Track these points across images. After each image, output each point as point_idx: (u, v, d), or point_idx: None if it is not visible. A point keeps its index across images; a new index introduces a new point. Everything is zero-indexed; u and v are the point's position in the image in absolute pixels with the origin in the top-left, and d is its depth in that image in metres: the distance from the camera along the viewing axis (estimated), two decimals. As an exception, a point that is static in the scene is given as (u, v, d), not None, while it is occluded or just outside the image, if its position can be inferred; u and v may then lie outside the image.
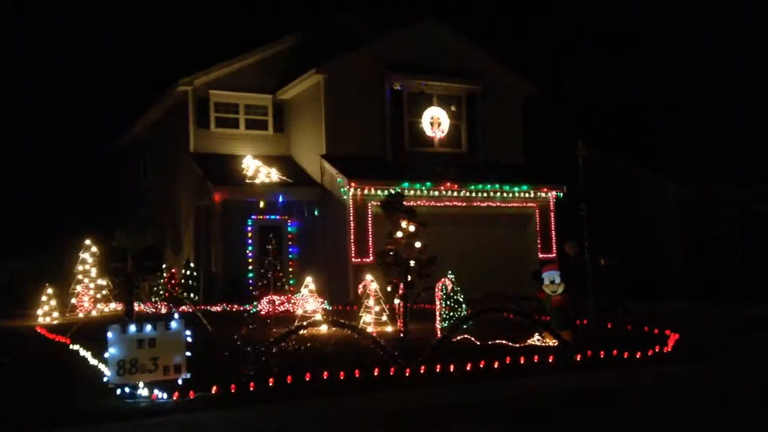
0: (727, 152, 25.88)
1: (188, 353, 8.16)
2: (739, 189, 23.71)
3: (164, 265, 17.83)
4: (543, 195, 20.24)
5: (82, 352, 10.46)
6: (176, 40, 34.38)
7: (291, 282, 19.41)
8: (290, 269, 19.64)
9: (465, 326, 10.68)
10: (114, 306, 17.17)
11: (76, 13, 37.15)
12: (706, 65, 33.31)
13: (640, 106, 30.96)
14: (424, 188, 18.60)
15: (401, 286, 10.99)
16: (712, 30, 34.29)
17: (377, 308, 12.96)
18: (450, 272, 12.28)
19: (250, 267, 19.33)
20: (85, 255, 17.51)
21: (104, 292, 17.68)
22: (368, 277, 13.37)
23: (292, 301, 15.42)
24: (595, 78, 32.88)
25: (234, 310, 16.31)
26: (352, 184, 18.02)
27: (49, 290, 16.41)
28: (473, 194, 19.30)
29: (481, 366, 9.11)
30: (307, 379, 8.36)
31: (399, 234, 11.21)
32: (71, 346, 11.32)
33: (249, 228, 19.61)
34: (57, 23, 36.94)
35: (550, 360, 9.53)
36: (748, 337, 12.32)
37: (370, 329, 11.54)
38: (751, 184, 23.84)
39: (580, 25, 36.43)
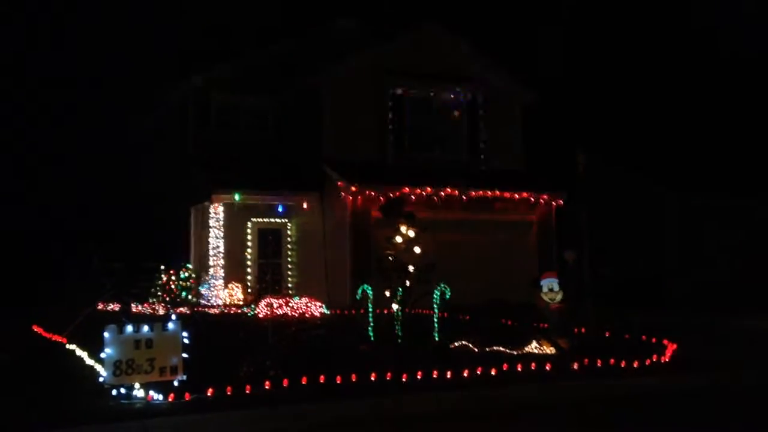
0: (728, 160, 25.89)
1: (184, 354, 8.14)
2: (739, 198, 23.70)
3: (162, 266, 17.79)
4: (543, 202, 20.22)
5: (78, 352, 10.43)
6: (174, 42, 34.38)
7: (289, 285, 19.41)
8: (289, 272, 19.61)
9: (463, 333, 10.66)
10: (112, 306, 17.13)
11: (68, 17, 37.09)
12: (708, 70, 33.32)
13: (641, 114, 30.99)
14: (424, 194, 18.58)
15: (399, 291, 10.96)
16: (716, 36, 34.31)
17: (376, 313, 12.90)
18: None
19: (249, 270, 19.29)
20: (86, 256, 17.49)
21: (104, 291, 17.62)
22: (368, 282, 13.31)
23: (291, 304, 15.38)
24: (596, 85, 32.89)
25: (232, 312, 16.27)
26: (352, 188, 18.00)
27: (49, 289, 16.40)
28: (473, 200, 19.27)
29: (479, 372, 9.10)
30: (304, 382, 8.35)
31: (398, 239, 11.19)
32: (67, 345, 11.29)
33: (248, 231, 19.56)
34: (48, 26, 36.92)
35: (547, 368, 9.51)
36: (749, 348, 12.28)
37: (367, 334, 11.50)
38: (752, 193, 23.83)
39: (581, 31, 36.43)
